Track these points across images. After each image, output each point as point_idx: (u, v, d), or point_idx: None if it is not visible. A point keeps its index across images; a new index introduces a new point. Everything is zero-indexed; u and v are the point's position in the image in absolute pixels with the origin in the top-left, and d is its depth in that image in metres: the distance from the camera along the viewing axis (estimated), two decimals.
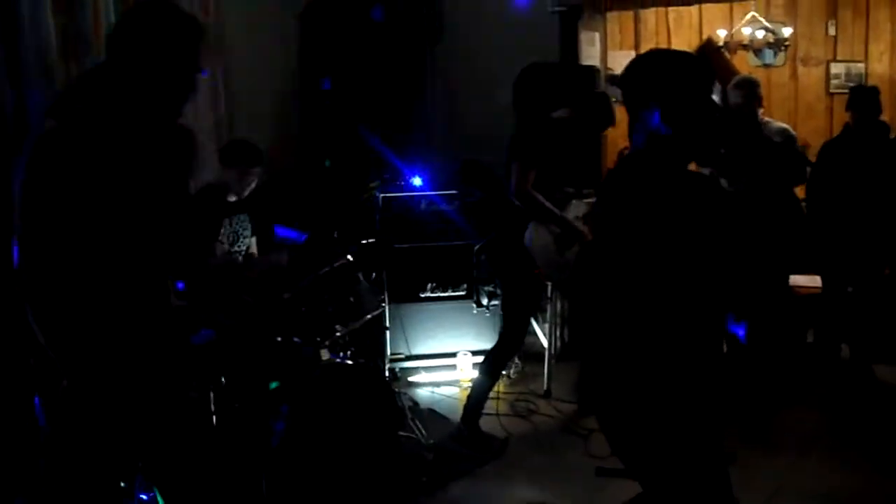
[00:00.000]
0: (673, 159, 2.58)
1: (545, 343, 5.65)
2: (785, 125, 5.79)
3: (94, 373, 2.31)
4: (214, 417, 4.04)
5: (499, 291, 5.62)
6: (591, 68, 6.40)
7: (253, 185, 4.69)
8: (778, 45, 7.55)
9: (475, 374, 5.33)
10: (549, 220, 4.61)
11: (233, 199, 4.68)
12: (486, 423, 4.87)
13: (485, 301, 5.79)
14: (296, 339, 4.50)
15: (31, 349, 2.53)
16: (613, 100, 7.55)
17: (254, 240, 4.92)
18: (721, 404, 2.75)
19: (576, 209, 4.78)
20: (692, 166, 2.83)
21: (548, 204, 4.57)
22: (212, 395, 4.04)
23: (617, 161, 6.38)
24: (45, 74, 4.91)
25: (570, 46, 6.44)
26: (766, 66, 7.89)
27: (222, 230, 4.67)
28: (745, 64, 7.80)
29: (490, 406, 4.89)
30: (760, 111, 5.69)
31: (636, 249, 2.55)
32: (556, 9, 6.37)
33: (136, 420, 2.42)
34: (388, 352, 5.77)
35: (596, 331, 2.82)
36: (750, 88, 5.63)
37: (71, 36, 5.07)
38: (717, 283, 2.54)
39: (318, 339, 4.47)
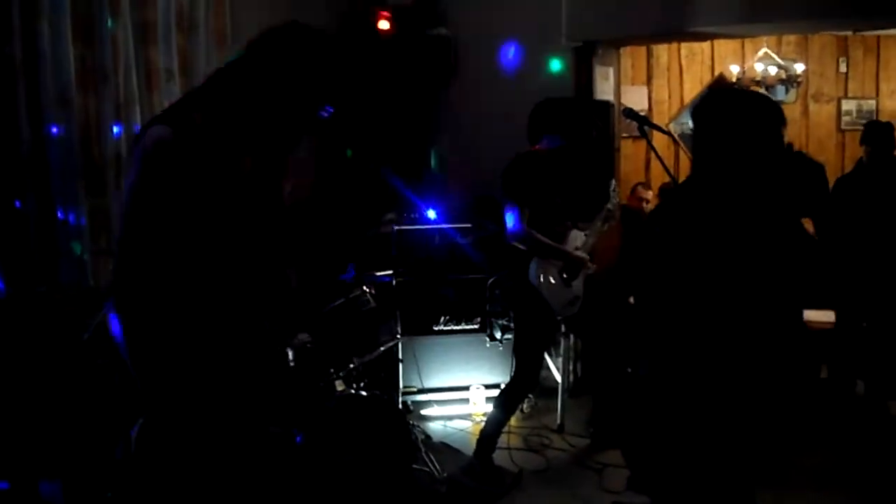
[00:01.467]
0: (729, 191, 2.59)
1: (558, 378, 5.63)
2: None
3: (177, 399, 2.23)
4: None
5: (512, 325, 5.63)
6: (606, 103, 6.43)
7: None
8: (790, 81, 7.61)
9: (488, 407, 5.32)
10: (549, 256, 4.62)
11: None
12: (498, 457, 4.85)
13: (498, 335, 5.78)
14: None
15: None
16: (625, 135, 7.64)
17: None
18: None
19: (575, 240, 4.80)
20: None
21: (545, 239, 4.57)
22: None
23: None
24: (63, 106, 4.98)
25: (585, 81, 6.48)
26: (779, 102, 7.92)
27: None
28: None
29: (503, 440, 4.87)
30: None
31: (694, 276, 2.56)
32: (572, 44, 6.40)
33: (218, 453, 2.37)
34: (402, 384, 5.77)
35: (631, 358, 2.86)
36: None
37: (89, 68, 5.14)
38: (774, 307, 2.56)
39: (333, 370, 4.49)
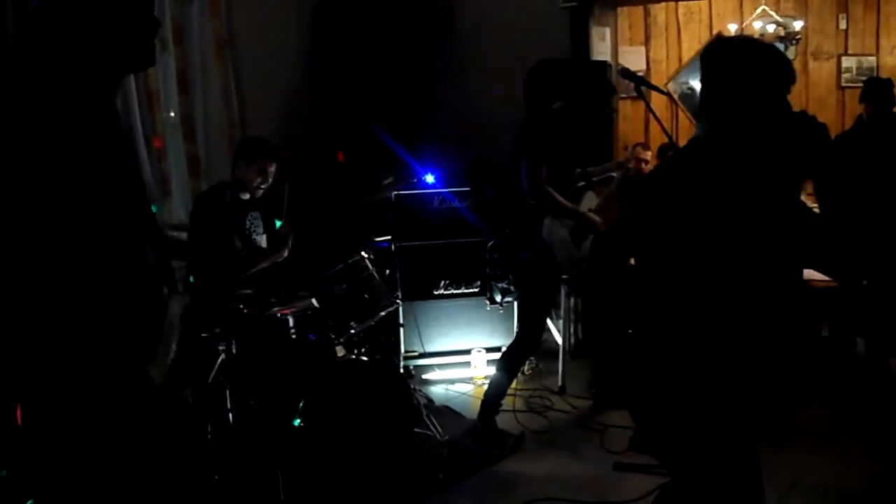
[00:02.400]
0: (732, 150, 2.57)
1: (559, 340, 5.65)
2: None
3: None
4: (231, 415, 4.07)
5: (512, 288, 5.63)
6: (603, 63, 6.39)
7: (270, 181, 4.70)
8: (789, 38, 7.55)
9: (489, 370, 5.34)
10: (563, 215, 4.62)
11: (246, 196, 4.70)
12: (500, 420, 4.87)
13: (498, 298, 5.79)
14: (311, 336, 4.53)
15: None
16: (623, 95, 7.61)
17: (265, 237, 4.93)
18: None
19: (589, 201, 4.80)
20: None
21: (561, 199, 4.57)
22: (227, 392, 4.07)
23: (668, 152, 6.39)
24: None
25: (581, 42, 6.43)
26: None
27: (248, 225, 4.73)
28: None
29: (505, 402, 4.89)
30: None
31: (692, 234, 2.55)
32: (567, 4, 6.35)
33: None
34: (403, 349, 5.78)
35: (632, 319, 2.83)
36: None
37: None
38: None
39: (333, 336, 4.49)
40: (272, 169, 4.67)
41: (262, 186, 4.69)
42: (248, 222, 4.75)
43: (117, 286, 2.17)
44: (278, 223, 4.88)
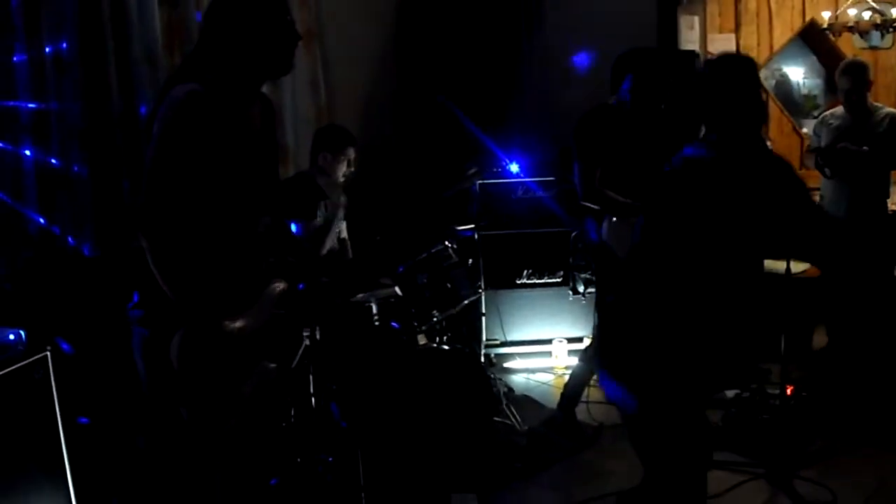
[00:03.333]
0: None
1: None
2: (894, 110, 5.59)
3: (207, 309, 2.52)
4: (313, 399, 4.16)
5: (595, 279, 5.61)
6: (691, 53, 6.31)
7: (348, 167, 4.81)
8: (885, 26, 7.32)
9: (570, 361, 5.35)
10: (627, 215, 4.37)
11: (341, 179, 4.83)
12: (578, 411, 4.87)
13: (581, 288, 5.77)
14: (393, 324, 4.60)
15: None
16: None
17: (344, 224, 5.03)
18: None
19: None
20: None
21: (618, 198, 4.38)
22: (311, 376, 4.16)
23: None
24: (150, 63, 5.08)
25: (669, 31, 6.36)
26: (873, 48, 7.64)
27: (319, 213, 4.82)
28: (850, 46, 7.57)
29: (585, 394, 4.89)
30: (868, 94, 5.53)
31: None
32: None
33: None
34: (484, 338, 5.82)
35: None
36: (859, 73, 5.44)
37: (175, 27, 5.24)
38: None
39: (416, 324, 4.55)
40: (347, 154, 4.79)
41: (341, 171, 4.81)
42: (328, 211, 4.85)
43: (227, 244, 2.65)
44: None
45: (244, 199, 2.66)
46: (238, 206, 2.65)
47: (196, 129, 2.47)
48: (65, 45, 4.63)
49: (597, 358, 3.40)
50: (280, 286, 2.78)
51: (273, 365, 2.81)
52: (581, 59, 6.66)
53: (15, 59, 4.47)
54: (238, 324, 2.57)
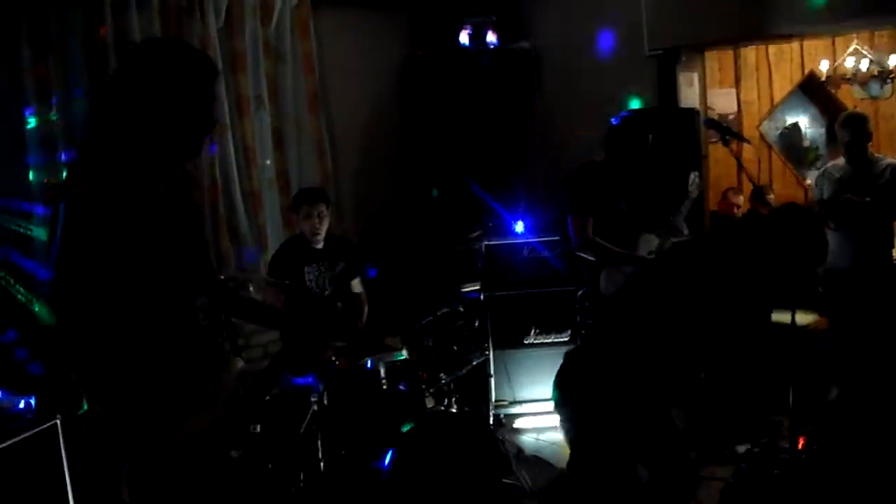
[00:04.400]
0: None
1: None
2: (895, 161, 5.63)
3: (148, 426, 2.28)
4: (322, 463, 4.17)
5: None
6: (691, 111, 6.37)
7: (324, 224, 4.89)
8: (883, 76, 7.41)
9: None
10: (620, 263, 4.57)
11: (319, 245, 4.91)
12: None
13: None
14: (401, 387, 4.61)
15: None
16: (713, 140, 7.54)
17: (356, 281, 5.10)
18: None
19: (647, 244, 4.74)
20: None
21: (612, 247, 4.55)
22: (319, 441, 4.17)
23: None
24: None
25: (669, 88, 6.43)
26: (873, 98, 7.72)
27: (310, 276, 4.88)
28: (850, 97, 7.65)
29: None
30: (869, 145, 5.58)
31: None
32: (653, 52, 6.36)
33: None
34: (493, 398, 5.81)
35: None
36: (859, 125, 5.50)
37: None
38: None
39: (423, 386, 4.56)
40: (316, 209, 4.87)
41: (318, 229, 4.88)
42: (325, 271, 4.96)
43: (160, 345, 2.34)
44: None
45: (170, 283, 2.39)
46: (165, 291, 2.37)
47: (95, 232, 2.20)
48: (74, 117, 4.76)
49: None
50: (239, 366, 2.61)
51: (236, 454, 2.65)
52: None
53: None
54: (191, 426, 2.36)
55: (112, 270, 2.22)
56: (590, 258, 4.59)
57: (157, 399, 2.29)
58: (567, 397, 3.17)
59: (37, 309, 4.61)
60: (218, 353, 2.60)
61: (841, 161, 5.68)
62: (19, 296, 4.58)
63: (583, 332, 5.32)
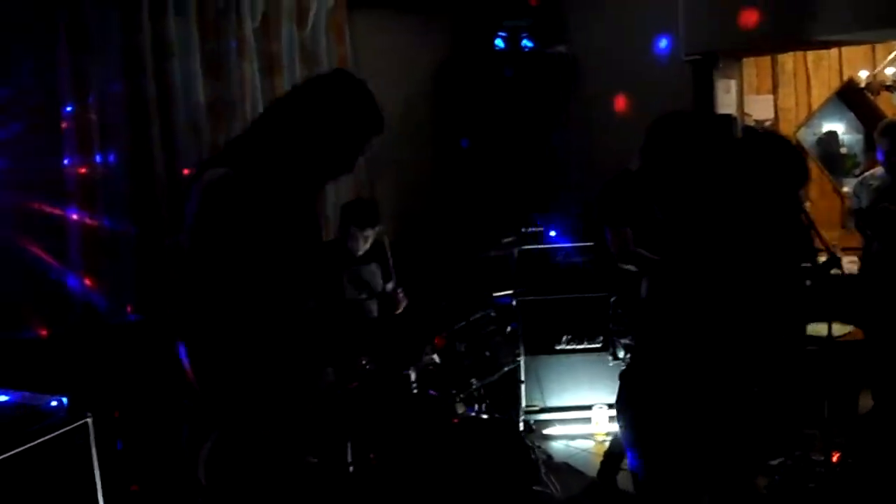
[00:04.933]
0: None
1: None
2: None
3: (242, 417, 2.39)
4: (351, 468, 4.17)
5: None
6: (728, 117, 6.30)
7: (370, 241, 4.90)
8: None
9: (611, 427, 5.30)
10: None
11: (360, 252, 4.92)
12: (621, 479, 4.82)
13: (621, 354, 5.72)
14: (432, 392, 4.61)
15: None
16: None
17: (391, 284, 5.11)
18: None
19: None
20: None
21: (653, 256, 4.46)
22: (349, 445, 4.17)
23: None
24: (194, 134, 5.21)
25: (706, 94, 6.37)
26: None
27: (347, 283, 4.90)
28: (889, 105, 7.55)
29: (624, 461, 4.84)
30: None
31: None
32: (690, 57, 6.31)
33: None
34: (524, 404, 5.79)
35: None
36: None
37: (219, 100, 5.37)
38: None
39: (454, 392, 4.55)
40: (366, 233, 4.96)
41: (361, 248, 4.97)
42: (363, 276, 4.97)
43: (269, 334, 2.45)
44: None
45: (288, 285, 2.52)
46: (282, 292, 2.50)
47: (230, 215, 2.34)
48: (111, 121, 4.79)
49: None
50: (329, 377, 2.69)
51: (315, 460, 2.73)
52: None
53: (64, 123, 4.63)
54: (283, 421, 2.47)
55: (240, 251, 2.34)
56: (632, 269, 4.52)
57: (257, 386, 2.39)
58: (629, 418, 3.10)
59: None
60: (318, 357, 2.74)
61: (879, 170, 5.60)
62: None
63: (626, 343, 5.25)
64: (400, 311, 5.15)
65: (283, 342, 2.48)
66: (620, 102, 6.73)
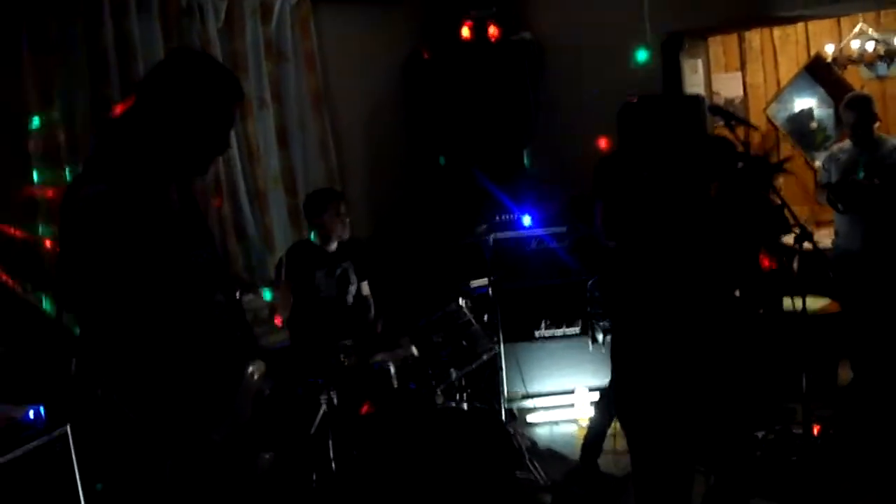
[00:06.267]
0: None
1: None
2: None
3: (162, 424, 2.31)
4: (334, 464, 4.16)
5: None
6: (696, 97, 6.30)
7: (347, 223, 4.87)
8: (890, 56, 7.33)
9: (592, 410, 5.31)
10: None
11: (334, 247, 4.88)
12: (603, 462, 4.84)
13: (600, 337, 5.74)
14: (411, 385, 4.60)
15: None
16: (720, 123, 7.49)
17: (364, 284, 5.09)
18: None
19: None
20: None
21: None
22: (330, 441, 4.16)
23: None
24: None
25: (673, 76, 6.38)
26: (880, 77, 7.63)
27: (321, 281, 4.86)
28: (857, 77, 7.57)
29: (608, 443, 4.86)
30: (876, 126, 5.53)
31: None
32: (657, 37, 6.31)
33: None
34: (506, 391, 5.80)
35: None
36: (863, 107, 5.47)
37: None
38: None
39: (434, 383, 4.55)
40: (341, 206, 4.90)
41: (346, 228, 4.95)
42: (337, 275, 4.93)
43: (183, 343, 2.35)
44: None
45: (187, 279, 2.40)
46: (184, 287, 2.38)
47: (110, 231, 2.22)
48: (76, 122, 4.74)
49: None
50: (256, 370, 2.53)
51: (269, 455, 2.67)
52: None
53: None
54: (219, 434, 2.37)
55: (128, 268, 2.23)
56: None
57: (183, 406, 2.31)
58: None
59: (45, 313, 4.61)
60: (240, 351, 2.59)
61: (847, 143, 5.64)
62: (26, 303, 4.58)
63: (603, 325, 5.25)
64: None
65: (193, 338, 2.39)
66: (588, 86, 6.71)
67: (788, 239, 4.39)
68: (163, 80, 2.40)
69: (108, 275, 2.22)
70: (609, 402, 4.78)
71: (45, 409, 3.74)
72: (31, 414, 3.68)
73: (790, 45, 7.87)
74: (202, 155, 2.46)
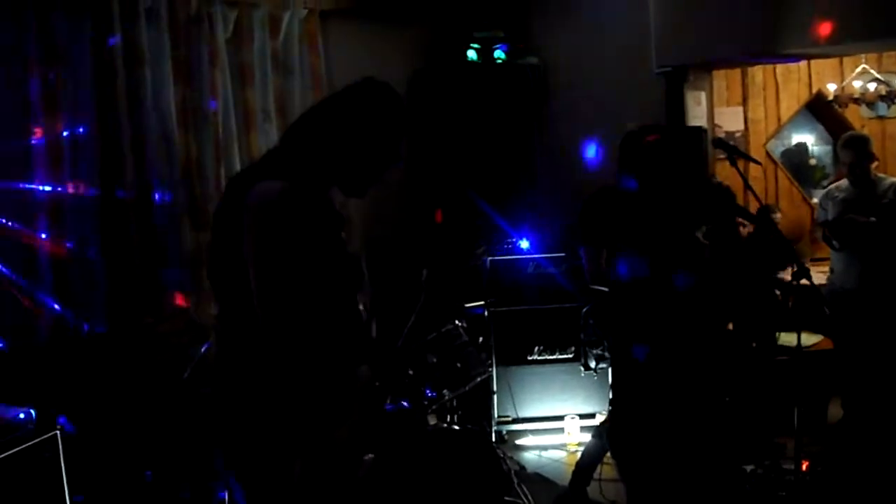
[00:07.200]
0: None
1: None
2: None
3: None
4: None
5: (607, 354, 5.58)
6: (699, 129, 6.34)
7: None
8: (891, 97, 7.38)
9: (583, 437, 5.31)
10: None
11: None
12: (591, 489, 4.82)
13: (592, 364, 5.74)
14: (404, 404, 4.59)
15: None
16: (721, 156, 7.52)
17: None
18: None
19: None
20: None
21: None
22: None
23: None
24: (166, 147, 5.19)
25: (676, 107, 6.41)
26: (880, 118, 7.70)
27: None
28: (858, 116, 7.63)
29: (598, 471, 4.84)
30: (874, 166, 5.56)
31: None
32: (661, 70, 6.35)
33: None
34: (496, 414, 5.80)
35: None
36: (861, 146, 5.50)
37: (190, 109, 5.35)
38: None
39: (426, 403, 4.54)
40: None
41: None
42: None
43: (333, 342, 2.46)
44: None
45: (347, 286, 2.57)
46: (342, 298, 2.53)
47: (294, 228, 2.33)
48: (81, 129, 4.74)
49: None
50: (366, 372, 2.61)
51: (370, 456, 2.75)
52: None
53: (33, 141, 4.58)
54: (343, 434, 2.47)
55: (314, 264, 2.36)
56: (603, 289, 4.42)
57: (315, 404, 2.40)
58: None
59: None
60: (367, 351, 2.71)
61: (844, 182, 5.67)
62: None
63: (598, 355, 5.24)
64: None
65: (345, 344, 2.52)
66: (592, 115, 6.73)
67: (786, 275, 4.41)
68: (358, 99, 2.57)
69: (294, 269, 2.32)
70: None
71: (35, 411, 3.74)
72: (21, 416, 3.68)
73: (793, 82, 7.92)
74: (375, 170, 2.60)
